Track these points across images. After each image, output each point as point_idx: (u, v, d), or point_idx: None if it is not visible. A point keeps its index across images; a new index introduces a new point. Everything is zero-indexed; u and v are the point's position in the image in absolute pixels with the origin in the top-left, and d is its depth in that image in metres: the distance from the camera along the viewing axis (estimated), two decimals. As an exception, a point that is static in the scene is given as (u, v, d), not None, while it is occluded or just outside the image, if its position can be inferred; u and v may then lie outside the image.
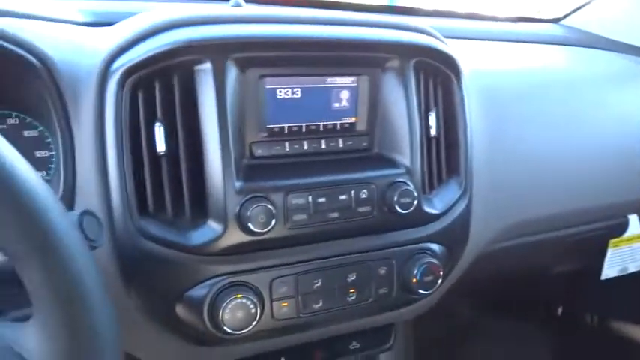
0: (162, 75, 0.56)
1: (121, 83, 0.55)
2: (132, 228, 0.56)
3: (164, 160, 0.57)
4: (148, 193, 0.57)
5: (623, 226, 0.96)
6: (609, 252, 0.96)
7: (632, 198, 0.94)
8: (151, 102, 0.57)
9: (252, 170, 0.60)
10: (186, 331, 0.61)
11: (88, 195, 0.57)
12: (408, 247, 0.67)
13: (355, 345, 0.77)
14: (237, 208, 0.57)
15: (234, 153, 0.57)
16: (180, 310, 0.59)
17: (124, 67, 0.55)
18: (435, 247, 0.69)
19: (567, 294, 1.46)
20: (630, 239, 0.97)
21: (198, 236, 0.57)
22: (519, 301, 1.48)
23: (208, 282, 0.58)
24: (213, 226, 0.57)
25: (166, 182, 0.57)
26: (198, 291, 0.58)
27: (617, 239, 0.96)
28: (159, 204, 0.58)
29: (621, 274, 1.00)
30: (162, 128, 0.57)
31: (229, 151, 0.57)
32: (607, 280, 1.00)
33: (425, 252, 0.68)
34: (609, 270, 0.98)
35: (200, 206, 0.58)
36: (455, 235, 0.72)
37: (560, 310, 1.49)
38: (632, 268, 1.00)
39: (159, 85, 0.57)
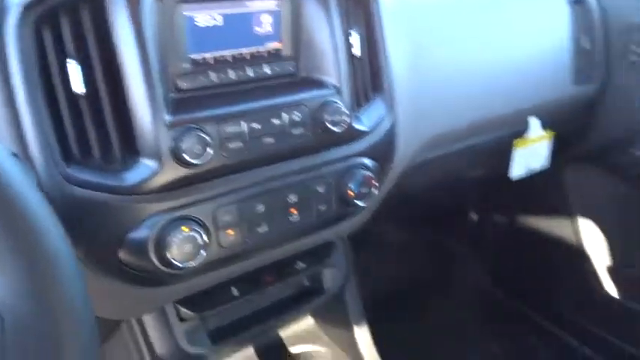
0: (68, 9, 0.52)
1: (22, 20, 0.50)
2: (57, 176, 0.53)
3: (83, 100, 0.54)
4: (69, 137, 0.54)
5: (525, 130, 1.06)
6: (515, 152, 1.06)
7: (532, 105, 1.02)
8: (60, 39, 0.52)
9: (181, 103, 0.58)
10: (135, 274, 0.60)
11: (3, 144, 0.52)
12: (343, 163, 0.70)
13: (301, 265, 0.80)
14: (171, 141, 0.55)
15: (160, 86, 0.55)
16: (124, 254, 0.58)
17: (22, 2, 0.50)
18: (367, 161, 0.72)
19: (479, 199, 1.61)
20: (533, 140, 1.07)
21: (132, 176, 0.56)
22: (440, 210, 1.60)
23: (150, 221, 0.57)
24: (147, 163, 0.56)
25: (89, 124, 0.54)
26: (140, 232, 0.57)
27: (520, 140, 1.06)
28: (84, 148, 0.55)
29: (528, 173, 1.11)
30: (78, 66, 0.53)
31: (154, 84, 0.54)
32: (514, 183, 1.11)
33: (358, 166, 0.71)
34: (516, 169, 1.08)
35: (130, 145, 0.56)
36: (384, 149, 0.76)
37: (474, 214, 1.63)
38: (534, 165, 1.12)
39: (66, 20, 0.52)
